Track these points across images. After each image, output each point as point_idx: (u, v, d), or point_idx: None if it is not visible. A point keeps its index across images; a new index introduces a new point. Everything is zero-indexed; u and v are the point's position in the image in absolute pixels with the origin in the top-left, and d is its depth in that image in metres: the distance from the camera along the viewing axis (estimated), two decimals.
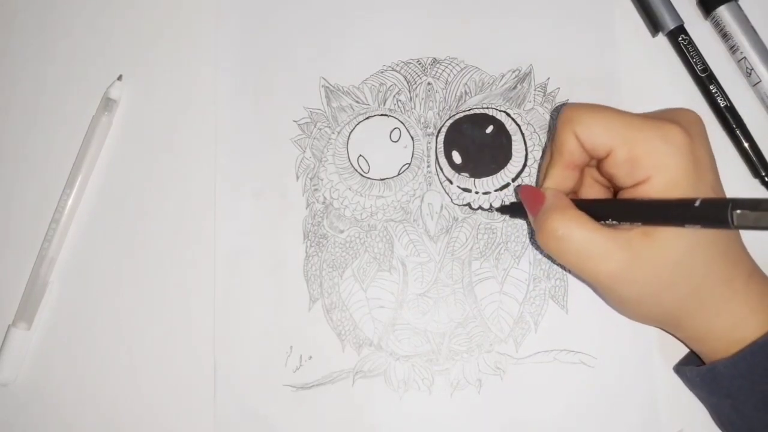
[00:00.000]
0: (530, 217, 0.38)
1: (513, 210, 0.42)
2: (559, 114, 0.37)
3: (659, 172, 0.34)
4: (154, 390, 0.42)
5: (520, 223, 0.43)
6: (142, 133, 0.45)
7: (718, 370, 0.36)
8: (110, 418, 0.42)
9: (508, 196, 0.43)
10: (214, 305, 0.43)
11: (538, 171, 0.43)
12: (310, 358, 0.42)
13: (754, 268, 0.36)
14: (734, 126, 0.42)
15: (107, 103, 0.45)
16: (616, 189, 0.37)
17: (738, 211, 0.28)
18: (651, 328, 0.41)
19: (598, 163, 0.37)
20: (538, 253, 0.42)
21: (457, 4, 0.45)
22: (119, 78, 0.46)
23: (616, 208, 0.35)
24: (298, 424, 0.41)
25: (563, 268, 0.42)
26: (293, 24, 0.46)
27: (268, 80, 0.45)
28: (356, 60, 0.45)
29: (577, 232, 0.34)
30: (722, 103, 0.42)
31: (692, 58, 0.43)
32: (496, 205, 0.43)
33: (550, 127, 0.44)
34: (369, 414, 0.41)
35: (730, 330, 0.35)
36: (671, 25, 0.43)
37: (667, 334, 0.40)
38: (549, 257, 0.42)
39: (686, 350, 0.40)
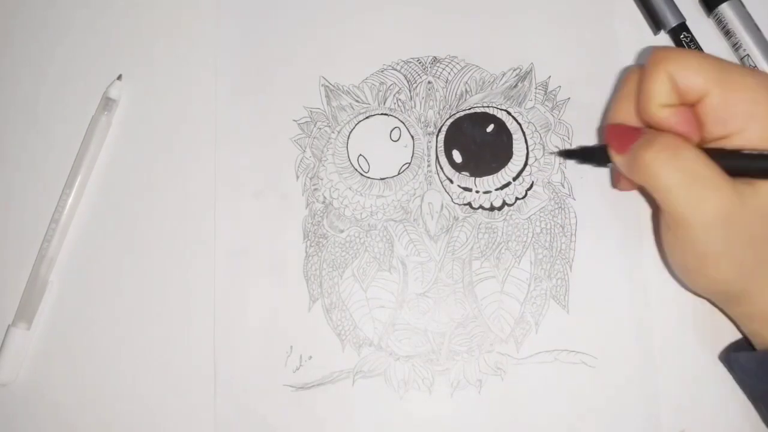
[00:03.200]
0: (619, 148, 0.35)
1: (581, 155, 0.40)
2: (650, 55, 0.35)
3: (755, 122, 0.32)
4: (154, 390, 0.42)
5: (520, 223, 0.42)
6: (142, 133, 0.45)
7: None
8: (110, 418, 0.42)
9: (509, 195, 0.43)
10: (214, 305, 0.43)
11: (607, 112, 0.41)
12: (310, 358, 0.42)
13: None
14: None
15: (107, 103, 0.45)
16: (702, 142, 0.35)
17: None
18: (651, 329, 0.41)
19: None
20: (539, 252, 0.42)
21: (457, 3, 0.45)
22: (119, 77, 0.46)
23: (720, 156, 0.33)
24: (298, 424, 0.41)
25: (650, 202, 0.40)
26: (293, 23, 0.46)
27: (268, 80, 0.45)
28: (356, 59, 0.45)
29: (695, 152, 0.32)
30: None
31: None
32: (497, 204, 0.43)
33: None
34: (369, 414, 0.41)
35: None
36: (673, 22, 0.43)
37: (667, 336, 0.40)
38: (638, 188, 0.40)
39: (686, 354, 0.40)
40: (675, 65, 0.33)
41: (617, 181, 0.41)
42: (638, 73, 0.36)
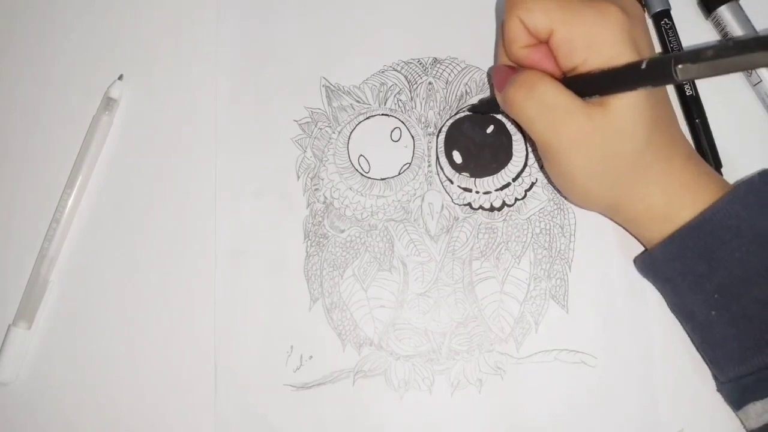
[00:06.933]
0: (498, 87, 0.39)
1: (483, 106, 0.43)
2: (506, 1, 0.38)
3: (594, 51, 0.34)
4: (155, 390, 0.42)
5: (520, 223, 0.43)
6: (143, 133, 0.45)
7: (655, 255, 0.38)
8: (110, 418, 0.42)
9: (509, 196, 0.43)
10: (214, 305, 0.43)
11: (495, 58, 0.44)
12: (311, 357, 0.42)
13: (691, 152, 0.38)
14: (695, 118, 0.42)
15: (108, 103, 0.45)
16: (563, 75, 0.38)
17: (680, 66, 0.29)
18: (650, 328, 0.41)
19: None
20: (538, 252, 0.42)
21: (458, 4, 0.45)
22: (120, 77, 0.46)
23: (572, 83, 0.36)
24: (298, 423, 0.41)
25: (521, 131, 0.43)
26: (293, 24, 0.46)
27: (269, 80, 0.45)
28: (357, 59, 0.45)
29: (549, 84, 0.36)
30: (688, 92, 0.43)
31: (670, 44, 0.43)
32: (497, 204, 0.43)
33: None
34: (369, 414, 0.41)
35: (665, 209, 0.37)
36: (658, 7, 0.44)
37: (666, 335, 0.41)
38: (511, 120, 0.43)
39: (685, 354, 0.40)
40: (522, 10, 0.36)
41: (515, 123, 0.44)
42: None
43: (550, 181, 0.42)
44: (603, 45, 0.34)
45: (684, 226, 0.36)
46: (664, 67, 0.30)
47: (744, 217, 0.36)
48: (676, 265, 0.37)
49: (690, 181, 0.37)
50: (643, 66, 0.32)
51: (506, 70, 0.39)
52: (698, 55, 0.29)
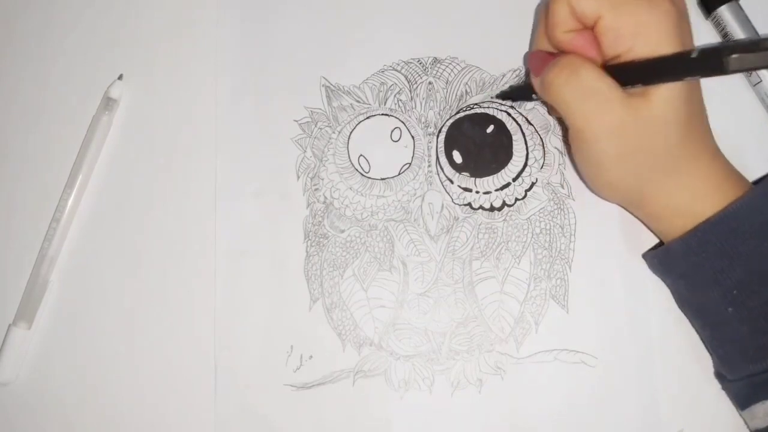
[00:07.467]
0: (536, 72, 0.38)
1: (513, 94, 0.43)
2: None
3: (640, 40, 0.34)
4: (155, 390, 0.42)
5: (520, 223, 0.43)
6: (143, 133, 0.45)
7: (673, 249, 0.38)
8: (110, 418, 0.42)
9: (509, 196, 0.43)
10: (214, 305, 0.43)
11: (531, 44, 0.44)
12: (311, 357, 0.42)
13: (717, 150, 0.38)
14: None
15: (108, 103, 0.45)
16: (605, 62, 0.38)
17: (734, 56, 0.29)
18: (650, 328, 0.41)
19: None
20: (539, 252, 0.42)
21: (458, 4, 0.45)
22: (120, 77, 0.46)
23: (617, 70, 0.36)
24: (298, 423, 0.41)
25: (557, 119, 0.43)
26: (293, 24, 0.46)
27: (269, 80, 0.45)
28: (357, 59, 0.45)
29: (592, 70, 0.35)
30: None
31: None
32: (497, 204, 0.43)
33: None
34: (369, 414, 0.41)
35: (689, 205, 0.37)
36: None
37: (666, 336, 0.41)
38: (546, 104, 0.42)
39: (685, 354, 0.40)
40: None
41: (550, 108, 0.43)
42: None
43: (575, 168, 0.42)
44: (650, 34, 0.34)
45: (705, 221, 0.36)
46: (717, 57, 0.30)
47: (766, 213, 0.36)
48: (695, 260, 0.37)
49: (716, 179, 0.37)
50: (694, 55, 0.31)
51: (544, 55, 0.39)
52: (756, 45, 0.28)
